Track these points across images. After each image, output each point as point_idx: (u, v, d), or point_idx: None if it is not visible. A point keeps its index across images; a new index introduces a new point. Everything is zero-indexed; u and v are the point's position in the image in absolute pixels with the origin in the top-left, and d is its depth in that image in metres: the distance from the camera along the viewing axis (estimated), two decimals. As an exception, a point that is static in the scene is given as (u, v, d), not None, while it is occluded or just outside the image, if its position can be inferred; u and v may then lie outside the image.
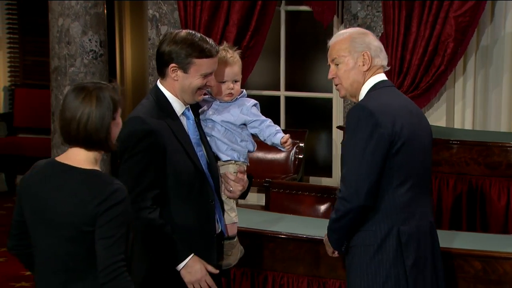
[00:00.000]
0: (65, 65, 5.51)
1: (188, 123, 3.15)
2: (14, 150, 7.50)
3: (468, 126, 5.92)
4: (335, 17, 6.13)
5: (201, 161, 3.12)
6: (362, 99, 3.10)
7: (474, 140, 5.13)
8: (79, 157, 2.66)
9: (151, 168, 2.99)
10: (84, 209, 2.59)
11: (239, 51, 3.29)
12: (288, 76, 6.72)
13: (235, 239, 3.24)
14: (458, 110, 5.96)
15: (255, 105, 3.24)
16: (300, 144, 6.34)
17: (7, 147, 7.54)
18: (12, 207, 7.28)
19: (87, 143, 2.65)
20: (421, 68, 5.79)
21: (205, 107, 3.23)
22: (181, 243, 3.04)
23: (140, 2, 7.31)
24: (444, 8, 5.68)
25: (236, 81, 3.22)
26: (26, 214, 2.74)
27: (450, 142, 5.13)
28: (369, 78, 3.12)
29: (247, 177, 3.25)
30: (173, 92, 3.12)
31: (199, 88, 3.10)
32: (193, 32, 3.16)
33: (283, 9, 6.55)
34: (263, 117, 3.23)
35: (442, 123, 5.95)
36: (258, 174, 6.12)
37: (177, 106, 3.13)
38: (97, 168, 2.67)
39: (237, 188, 3.19)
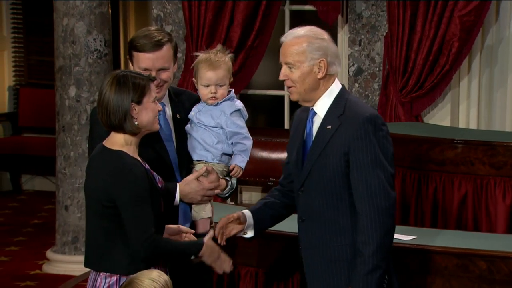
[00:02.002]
0: (69, 64, 5.51)
1: (159, 119, 3.17)
2: (19, 149, 7.51)
3: (473, 125, 5.91)
4: (339, 16, 6.12)
5: (170, 156, 3.18)
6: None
7: (479, 140, 5.12)
8: (113, 139, 2.93)
9: None
10: (104, 186, 2.87)
11: (230, 54, 3.24)
12: (292, 75, 6.71)
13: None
14: (463, 110, 5.95)
15: (237, 111, 3.20)
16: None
17: (12, 146, 7.55)
18: (16, 207, 7.30)
19: (109, 125, 2.91)
20: (425, 67, 5.79)
21: (194, 107, 3.25)
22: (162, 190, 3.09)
23: (144, 1, 7.32)
24: (449, 7, 5.67)
25: (220, 86, 3.18)
26: None
27: (455, 141, 5.12)
28: (327, 84, 3.01)
29: (233, 178, 3.23)
30: None
31: None
32: (149, 27, 3.24)
33: (287, 8, 6.55)
34: (239, 129, 3.18)
35: (446, 122, 5.94)
36: (262, 173, 6.13)
37: None
38: (124, 149, 2.91)
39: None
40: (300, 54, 2.96)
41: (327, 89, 3.01)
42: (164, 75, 3.15)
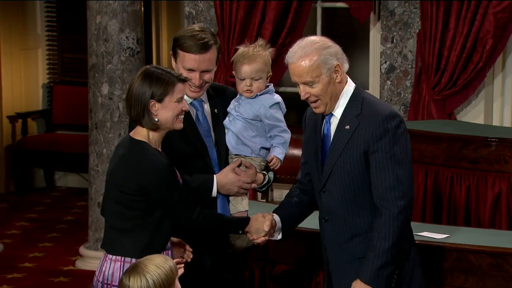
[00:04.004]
0: (102, 62, 5.56)
1: (197, 114, 3.22)
2: (53, 146, 7.58)
3: (507, 123, 5.86)
4: (371, 14, 6.10)
5: (209, 152, 3.21)
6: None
7: (513, 138, 5.07)
8: (138, 130, 2.98)
9: None
10: (126, 173, 2.91)
11: (270, 49, 3.28)
12: (324, 73, 6.69)
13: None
14: (496, 107, 5.90)
15: (276, 104, 3.23)
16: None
17: (46, 143, 7.62)
18: (50, 203, 7.37)
19: (130, 117, 2.97)
20: (459, 65, 5.74)
21: (233, 101, 3.27)
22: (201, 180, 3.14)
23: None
24: (483, 4, 5.62)
25: (256, 79, 3.21)
26: None
27: (489, 139, 5.07)
28: (344, 86, 3.04)
29: (270, 172, 3.26)
30: None
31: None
32: (197, 27, 3.23)
33: (319, 6, 6.53)
34: (277, 122, 3.21)
35: (480, 120, 5.89)
36: (293, 171, 6.11)
37: (186, 97, 3.20)
38: (147, 141, 2.95)
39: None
40: (315, 69, 2.99)
41: (342, 89, 3.04)
42: (207, 76, 3.19)
